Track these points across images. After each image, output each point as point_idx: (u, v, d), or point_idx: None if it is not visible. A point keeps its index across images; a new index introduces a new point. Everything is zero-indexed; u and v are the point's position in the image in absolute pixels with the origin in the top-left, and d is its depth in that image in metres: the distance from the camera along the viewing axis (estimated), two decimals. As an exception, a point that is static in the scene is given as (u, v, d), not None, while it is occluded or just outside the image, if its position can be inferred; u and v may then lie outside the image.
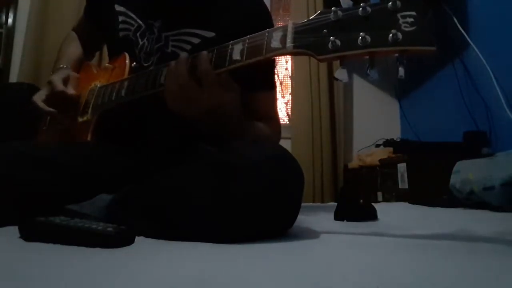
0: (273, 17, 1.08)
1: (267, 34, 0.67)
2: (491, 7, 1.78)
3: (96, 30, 1.09)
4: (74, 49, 1.10)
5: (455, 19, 1.86)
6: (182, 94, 0.71)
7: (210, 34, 0.89)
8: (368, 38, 0.56)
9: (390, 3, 0.56)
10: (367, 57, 0.58)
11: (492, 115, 1.75)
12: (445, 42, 1.93)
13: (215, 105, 0.71)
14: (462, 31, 1.84)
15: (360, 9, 0.57)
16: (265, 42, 0.66)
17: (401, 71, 0.56)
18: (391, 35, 0.54)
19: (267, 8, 0.98)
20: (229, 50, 0.70)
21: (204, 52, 0.71)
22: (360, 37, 0.56)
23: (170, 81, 0.73)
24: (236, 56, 0.68)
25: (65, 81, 0.96)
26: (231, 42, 0.70)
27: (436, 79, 2.20)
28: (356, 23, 0.57)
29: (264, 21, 0.93)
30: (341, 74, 0.61)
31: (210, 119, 0.73)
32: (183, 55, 0.73)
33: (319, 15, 0.62)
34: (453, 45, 1.91)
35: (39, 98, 0.94)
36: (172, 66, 0.73)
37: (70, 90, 0.95)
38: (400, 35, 0.54)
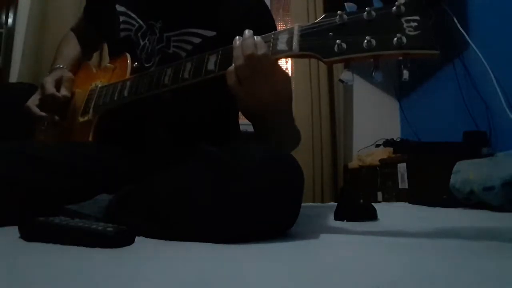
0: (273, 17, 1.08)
1: (273, 36, 0.67)
2: (491, 7, 1.78)
3: (96, 30, 1.09)
4: (72, 48, 1.10)
5: (455, 19, 1.85)
6: (247, 69, 0.65)
7: (211, 33, 0.89)
8: (374, 42, 0.57)
9: (394, 7, 0.57)
10: (372, 60, 0.59)
11: (492, 115, 1.75)
12: (445, 42, 1.93)
13: (272, 89, 0.67)
14: (462, 31, 1.84)
15: (365, 13, 0.59)
16: (271, 44, 0.66)
17: (406, 74, 0.57)
18: (395, 39, 0.55)
19: (268, 7, 0.98)
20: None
21: (259, 38, 0.66)
22: (366, 41, 0.57)
23: (236, 54, 0.66)
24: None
25: (58, 83, 0.96)
26: None
27: (436, 79, 2.20)
28: (361, 27, 0.59)
29: (265, 20, 0.93)
30: (346, 76, 0.61)
31: (267, 103, 0.68)
32: (249, 31, 0.67)
33: (324, 18, 0.63)
34: (453, 45, 1.91)
35: (32, 103, 0.94)
36: (237, 40, 0.67)
37: (63, 92, 0.95)
38: (404, 39, 0.55)
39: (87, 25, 1.11)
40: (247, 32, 0.66)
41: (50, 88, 0.93)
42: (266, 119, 0.71)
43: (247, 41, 0.65)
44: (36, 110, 0.93)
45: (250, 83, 0.66)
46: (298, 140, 0.89)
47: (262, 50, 0.64)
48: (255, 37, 0.65)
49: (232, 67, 0.66)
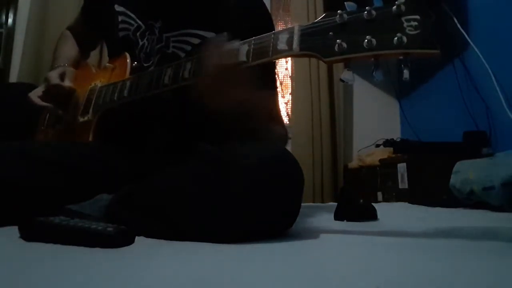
0: (273, 17, 1.09)
1: (273, 36, 0.67)
2: (491, 7, 1.78)
3: (94, 30, 1.09)
4: (70, 48, 1.10)
5: (455, 19, 1.85)
6: (219, 78, 0.67)
7: (210, 35, 0.89)
8: (374, 41, 0.57)
9: (395, 7, 0.57)
10: (372, 59, 0.59)
11: (492, 115, 1.75)
12: (445, 42, 1.93)
13: (241, 96, 0.69)
14: (462, 31, 1.84)
15: (365, 12, 0.59)
16: (271, 44, 0.66)
17: (406, 73, 0.57)
18: (396, 38, 0.55)
19: (267, 8, 0.99)
20: (234, 51, 0.69)
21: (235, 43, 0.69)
22: (366, 40, 0.57)
23: (210, 55, 0.69)
24: (242, 57, 0.68)
25: (62, 76, 0.96)
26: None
27: (436, 79, 2.20)
28: (361, 26, 0.59)
29: (265, 21, 0.93)
30: (347, 75, 0.62)
31: (237, 108, 0.70)
32: (222, 36, 0.70)
33: (324, 18, 0.63)
34: (453, 45, 1.91)
35: (34, 94, 0.94)
36: (210, 47, 0.70)
37: (67, 83, 0.94)
38: (405, 38, 0.55)
39: (84, 25, 1.11)
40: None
41: (56, 79, 0.93)
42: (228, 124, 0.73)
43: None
44: (38, 100, 0.93)
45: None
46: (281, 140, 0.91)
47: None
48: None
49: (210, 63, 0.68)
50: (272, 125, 0.89)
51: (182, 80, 0.76)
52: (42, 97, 0.93)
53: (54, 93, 0.93)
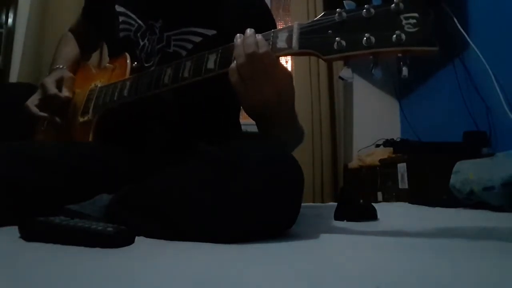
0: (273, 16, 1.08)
1: (272, 34, 0.67)
2: (491, 7, 1.78)
3: (95, 31, 1.09)
4: (71, 49, 1.10)
5: (455, 19, 1.86)
6: (249, 67, 0.65)
7: (211, 32, 0.89)
8: (373, 39, 0.57)
9: (393, 5, 0.57)
10: (371, 57, 0.59)
11: (492, 115, 1.75)
12: (445, 42, 1.93)
13: (274, 88, 0.67)
14: (462, 31, 1.84)
15: (364, 10, 0.59)
16: (271, 42, 0.66)
17: (405, 70, 0.57)
18: (394, 36, 0.56)
19: (268, 6, 0.99)
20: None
21: (260, 36, 0.66)
22: (365, 38, 0.57)
23: (238, 52, 0.66)
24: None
25: (59, 83, 0.96)
26: None
27: (436, 79, 2.20)
28: (360, 24, 0.59)
29: (266, 19, 0.93)
30: (346, 73, 0.62)
31: (269, 102, 0.68)
32: (251, 30, 0.67)
33: (323, 16, 0.63)
34: (453, 45, 1.91)
35: (31, 102, 0.94)
36: (239, 38, 0.67)
37: (64, 93, 0.95)
38: (403, 36, 0.55)
39: (85, 26, 1.11)
40: (248, 30, 0.66)
41: (52, 88, 0.93)
42: (269, 117, 0.71)
43: (248, 39, 0.65)
44: (36, 110, 0.93)
45: (252, 82, 0.65)
46: (301, 137, 0.89)
47: (263, 48, 0.64)
48: (256, 35, 0.65)
49: (234, 65, 0.66)
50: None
51: (182, 80, 0.76)
52: (39, 106, 0.94)
53: (51, 103, 0.93)
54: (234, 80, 0.66)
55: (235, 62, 0.66)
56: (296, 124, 0.81)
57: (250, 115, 0.72)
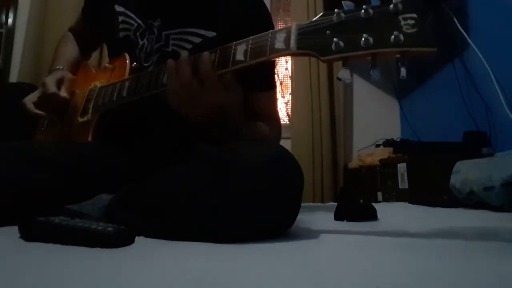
0: (273, 17, 1.09)
1: (270, 35, 0.67)
2: (491, 7, 1.78)
3: (94, 31, 1.09)
4: (71, 49, 1.10)
5: (455, 19, 1.85)
6: (184, 93, 0.71)
7: (211, 34, 0.89)
8: (371, 40, 0.57)
9: (392, 5, 0.57)
10: (370, 58, 0.59)
11: (492, 115, 1.75)
12: (445, 42, 1.93)
13: (215, 105, 0.71)
14: (462, 31, 1.84)
15: (362, 11, 0.59)
16: (269, 43, 0.66)
17: (403, 71, 0.57)
18: (393, 36, 0.55)
19: (267, 8, 0.99)
20: (232, 51, 0.70)
21: (206, 53, 0.71)
22: (363, 39, 0.57)
23: (172, 79, 0.73)
24: (240, 56, 0.68)
25: (59, 83, 0.96)
26: (234, 42, 0.71)
27: (436, 79, 2.20)
28: (358, 25, 0.59)
29: (265, 21, 0.93)
30: (344, 74, 0.61)
31: (211, 118, 0.73)
32: (184, 53, 0.73)
33: (322, 17, 0.63)
34: (453, 45, 1.91)
35: (29, 100, 0.94)
36: (172, 64, 0.72)
37: (63, 93, 0.95)
38: (402, 37, 0.55)
39: (85, 26, 1.11)
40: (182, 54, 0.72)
41: (52, 87, 0.93)
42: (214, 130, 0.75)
43: (182, 65, 0.70)
44: (31, 107, 0.94)
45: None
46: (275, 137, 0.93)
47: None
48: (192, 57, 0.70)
49: (172, 87, 0.72)
50: (265, 121, 0.90)
51: None
52: (36, 104, 0.94)
53: (49, 101, 0.94)
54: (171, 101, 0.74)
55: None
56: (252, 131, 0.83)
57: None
